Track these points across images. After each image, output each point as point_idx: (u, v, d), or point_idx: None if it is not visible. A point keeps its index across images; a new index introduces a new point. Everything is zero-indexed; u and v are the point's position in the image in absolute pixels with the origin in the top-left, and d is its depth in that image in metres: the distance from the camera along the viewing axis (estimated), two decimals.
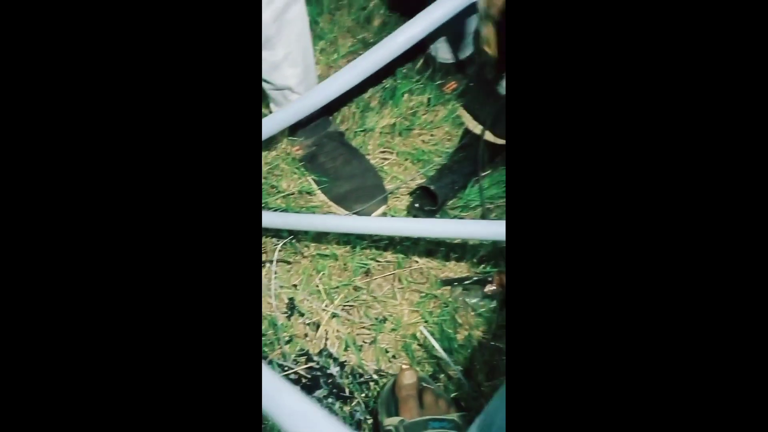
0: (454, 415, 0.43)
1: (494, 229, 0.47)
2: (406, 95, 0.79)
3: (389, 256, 0.64)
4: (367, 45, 0.88)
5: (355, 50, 0.88)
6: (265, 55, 0.56)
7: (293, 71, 0.58)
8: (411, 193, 0.69)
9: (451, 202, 0.68)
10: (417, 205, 0.66)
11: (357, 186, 0.67)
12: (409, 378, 0.45)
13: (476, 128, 0.67)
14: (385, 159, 0.74)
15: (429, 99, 0.78)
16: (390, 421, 0.43)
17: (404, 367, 0.48)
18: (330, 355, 0.55)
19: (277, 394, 0.28)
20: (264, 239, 0.64)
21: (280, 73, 0.58)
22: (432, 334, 0.57)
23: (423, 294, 0.61)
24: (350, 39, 0.89)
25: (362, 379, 0.54)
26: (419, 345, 0.57)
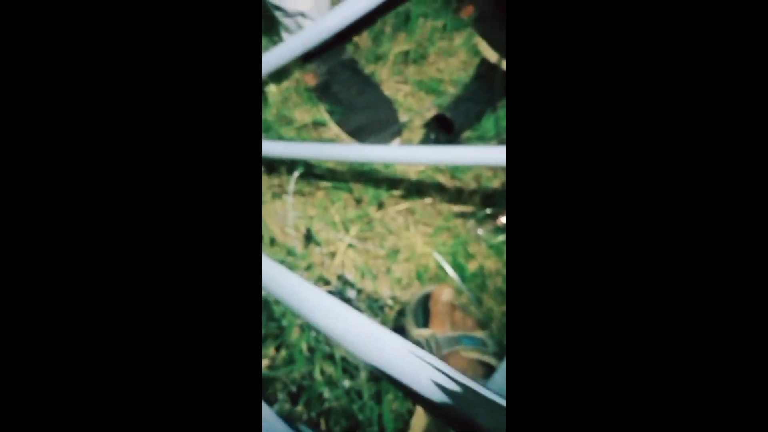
0: (481, 333, 0.45)
1: (497, 155, 0.46)
2: (420, 20, 0.75)
3: (402, 190, 0.64)
4: None
5: None
6: None
7: None
8: (426, 124, 0.68)
9: (466, 132, 0.67)
10: (432, 135, 0.66)
11: (370, 117, 0.66)
12: (446, 295, 0.47)
13: (493, 57, 0.64)
14: (399, 89, 0.72)
15: (444, 25, 0.74)
16: (421, 332, 0.45)
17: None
18: (346, 282, 0.58)
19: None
20: (278, 171, 0.65)
21: None
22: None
23: (436, 226, 0.62)
24: None
25: (377, 303, 0.57)
26: (433, 274, 0.59)
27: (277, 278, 0.34)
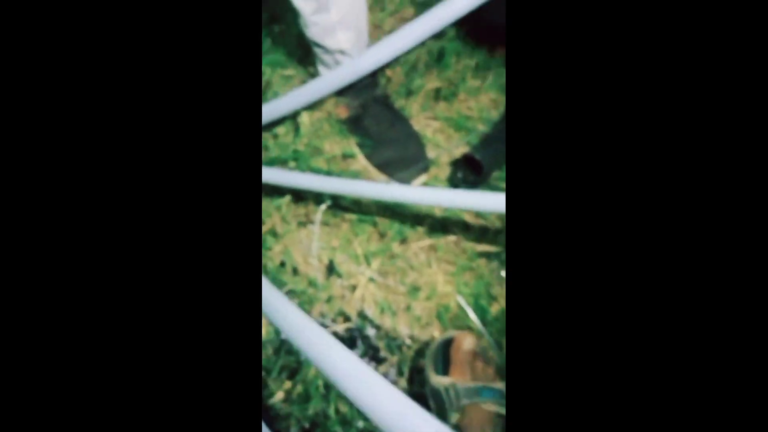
0: (502, 385, 0.44)
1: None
2: (454, 57, 0.76)
3: (426, 226, 0.64)
4: (414, 5, 0.84)
5: (401, 8, 0.84)
6: (318, 18, 0.54)
7: (346, 35, 0.57)
8: (453, 162, 0.68)
9: (495, 173, 0.67)
10: (459, 174, 0.65)
11: (399, 152, 0.66)
12: (468, 343, 0.46)
13: None
14: (428, 125, 0.72)
15: (477, 63, 0.75)
16: (440, 380, 0.44)
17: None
18: (366, 317, 0.57)
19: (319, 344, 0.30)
20: (306, 201, 0.65)
21: (333, 37, 0.57)
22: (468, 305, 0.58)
23: (459, 265, 0.61)
24: None
25: (396, 342, 0.56)
26: (453, 314, 0.58)
27: (292, 321, 0.34)
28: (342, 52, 0.59)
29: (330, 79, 0.49)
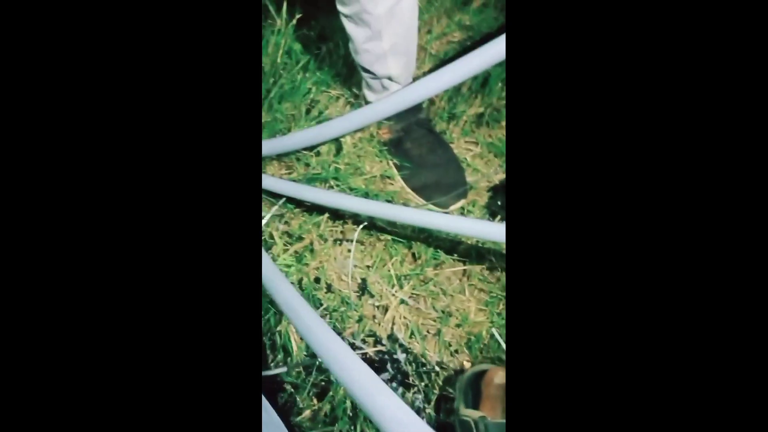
0: None
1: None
2: (499, 84, 0.76)
3: (462, 252, 0.64)
4: (461, 28, 0.85)
5: (449, 32, 0.85)
6: (370, 46, 0.56)
7: (396, 62, 0.58)
8: (492, 189, 0.68)
9: None
10: (499, 202, 0.65)
11: (438, 176, 0.66)
12: (500, 378, 0.46)
13: None
14: (469, 150, 0.73)
15: None
16: (470, 413, 0.44)
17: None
18: (396, 340, 0.57)
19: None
20: (344, 220, 0.66)
21: (383, 64, 0.58)
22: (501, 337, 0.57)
23: (492, 295, 0.61)
24: (445, 20, 0.86)
25: (424, 368, 0.56)
26: (484, 345, 0.58)
27: (324, 341, 0.35)
28: (390, 78, 0.60)
29: (379, 108, 0.50)
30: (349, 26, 0.55)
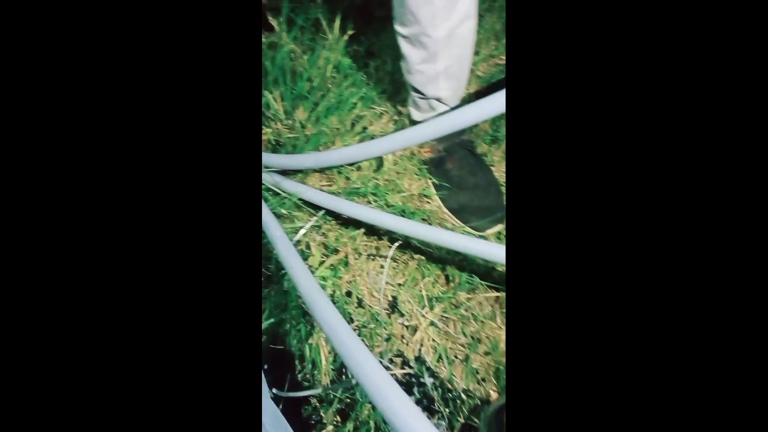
0: None
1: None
2: None
3: (496, 278, 0.63)
4: None
5: (497, 55, 0.85)
6: (424, 67, 0.56)
7: (447, 84, 0.58)
8: None
9: None
10: None
11: (476, 199, 0.66)
12: None
13: None
14: None
15: None
16: None
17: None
18: (424, 362, 0.57)
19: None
20: (380, 238, 0.67)
21: (434, 85, 0.58)
22: None
23: None
24: (494, 43, 0.86)
25: (450, 394, 0.55)
26: None
27: (357, 357, 0.35)
28: (438, 99, 0.60)
29: (427, 129, 0.50)
30: (406, 47, 0.56)
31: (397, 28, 0.55)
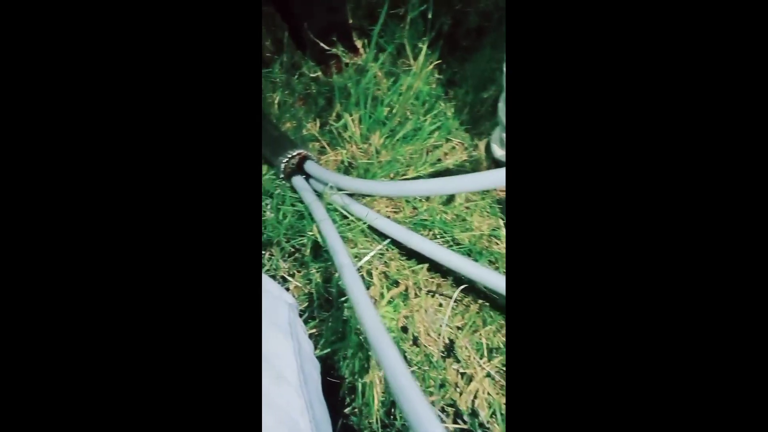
0: None
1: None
2: None
3: None
4: None
5: None
6: None
7: None
8: None
9: None
10: None
11: None
12: None
13: None
14: None
15: None
16: None
17: None
18: (477, 416, 0.54)
19: None
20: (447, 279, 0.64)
21: None
22: None
23: None
24: None
25: None
26: None
27: (410, 397, 0.34)
28: None
29: (498, 176, 0.48)
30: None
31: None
